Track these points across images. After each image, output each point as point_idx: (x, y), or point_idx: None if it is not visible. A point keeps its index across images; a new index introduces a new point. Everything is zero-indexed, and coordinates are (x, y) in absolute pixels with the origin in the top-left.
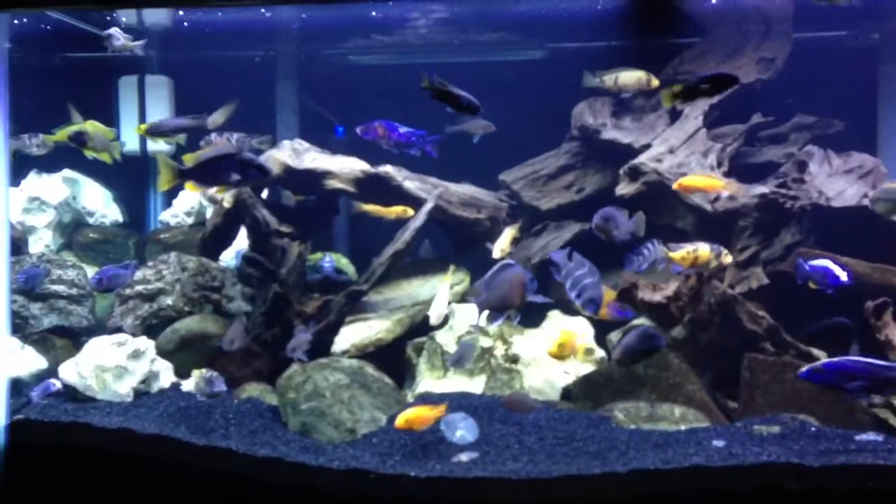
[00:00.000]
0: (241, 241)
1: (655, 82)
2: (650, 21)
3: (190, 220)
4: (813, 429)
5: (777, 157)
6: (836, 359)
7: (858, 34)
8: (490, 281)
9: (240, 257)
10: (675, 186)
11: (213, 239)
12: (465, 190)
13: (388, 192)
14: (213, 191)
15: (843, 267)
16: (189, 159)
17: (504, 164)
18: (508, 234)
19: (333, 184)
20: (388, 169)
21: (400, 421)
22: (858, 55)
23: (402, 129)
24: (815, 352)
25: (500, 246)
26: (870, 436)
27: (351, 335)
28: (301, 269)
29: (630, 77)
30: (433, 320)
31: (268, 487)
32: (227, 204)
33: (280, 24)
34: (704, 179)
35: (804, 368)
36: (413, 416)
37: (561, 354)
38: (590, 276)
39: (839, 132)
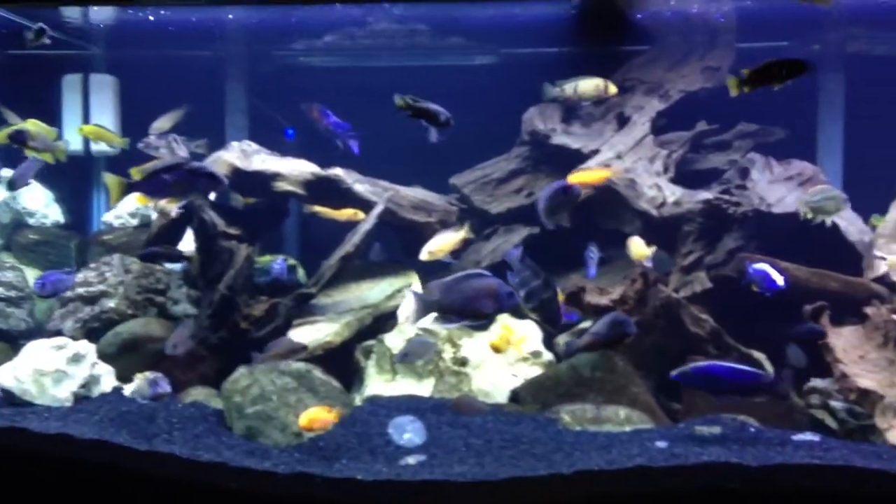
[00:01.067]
0: (188, 243)
1: (613, 89)
2: (600, 29)
3: (134, 222)
4: (752, 429)
5: (721, 164)
6: (703, 363)
7: (799, 45)
8: (453, 285)
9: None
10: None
11: (158, 241)
12: (416, 193)
13: (338, 194)
14: (163, 202)
15: (780, 272)
16: (136, 172)
17: (455, 167)
18: (447, 238)
19: (283, 186)
20: (338, 171)
21: (303, 420)
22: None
23: (333, 118)
24: (756, 354)
25: (430, 248)
26: (806, 436)
27: (299, 338)
28: (249, 271)
29: (588, 85)
30: (402, 320)
31: (211, 493)
32: (174, 214)
33: (229, 24)
34: (592, 172)
35: (675, 371)
36: (313, 415)
37: (502, 346)
38: (536, 279)
39: (780, 140)
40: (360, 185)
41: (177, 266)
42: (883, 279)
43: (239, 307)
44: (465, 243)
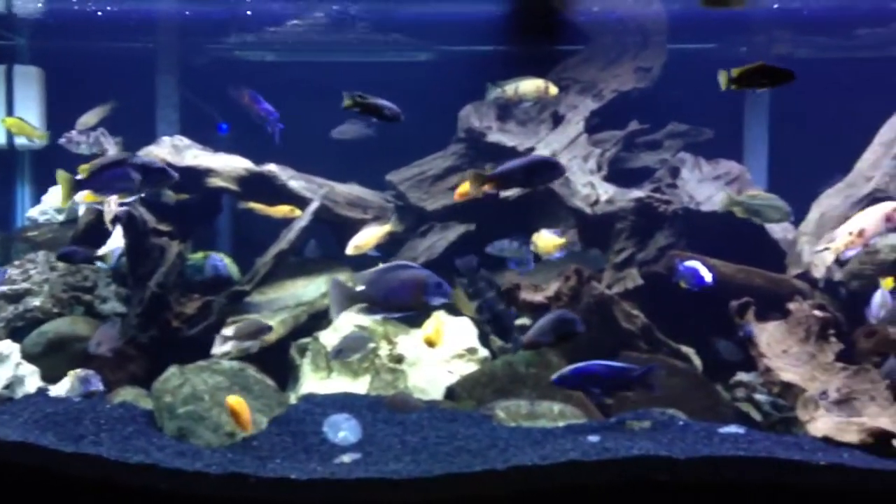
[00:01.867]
0: (117, 239)
1: (554, 90)
2: (535, 27)
3: (60, 218)
4: (681, 423)
5: (652, 163)
6: (580, 364)
7: (727, 47)
8: (378, 276)
9: (115, 256)
10: (455, 198)
11: (85, 237)
12: (352, 190)
13: (273, 191)
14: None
15: (709, 268)
16: (85, 169)
17: (391, 164)
18: (373, 232)
19: (216, 182)
20: (272, 168)
21: (231, 400)
22: (727, 67)
23: (264, 105)
24: (686, 349)
25: (356, 242)
26: (732, 428)
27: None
28: (180, 268)
29: (530, 86)
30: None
31: (141, 495)
32: (116, 212)
33: (161, 15)
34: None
35: (555, 375)
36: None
37: (436, 340)
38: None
39: (709, 140)
40: (295, 182)
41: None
42: (805, 275)
43: (170, 305)
44: (399, 239)
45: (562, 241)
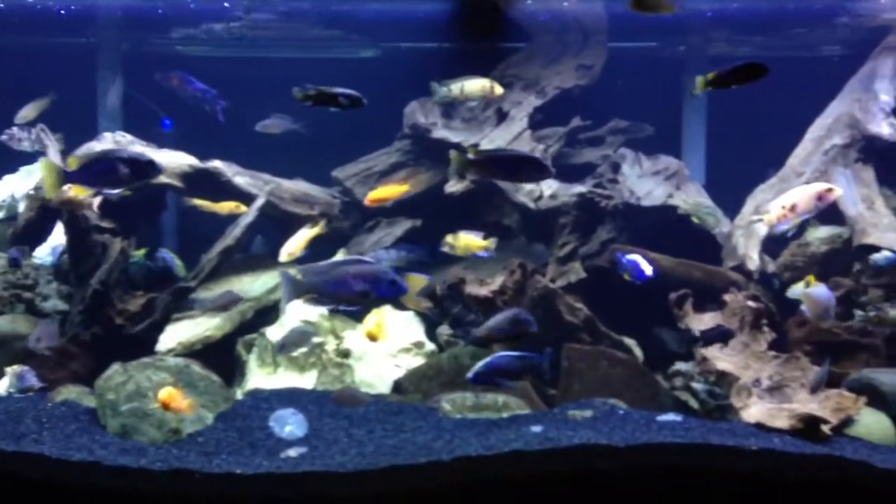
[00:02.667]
0: (58, 236)
1: (499, 90)
2: (479, 25)
3: (0, 214)
4: (621, 412)
5: (594, 159)
6: (488, 359)
7: (666, 46)
8: (328, 268)
9: (56, 254)
10: (366, 202)
11: (25, 234)
12: (298, 186)
13: (218, 187)
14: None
15: (650, 262)
16: (74, 162)
17: (338, 160)
18: (302, 235)
19: (159, 178)
20: (217, 164)
21: (162, 395)
22: (666, 65)
23: (197, 84)
24: (627, 340)
25: (289, 249)
26: (670, 416)
27: (178, 333)
28: (123, 266)
29: (475, 86)
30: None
31: (84, 493)
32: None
33: (101, 10)
34: (389, 189)
35: (470, 373)
36: (166, 396)
37: (377, 334)
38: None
39: (649, 136)
40: (241, 178)
41: (47, 260)
42: (740, 268)
43: (113, 302)
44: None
45: (484, 242)
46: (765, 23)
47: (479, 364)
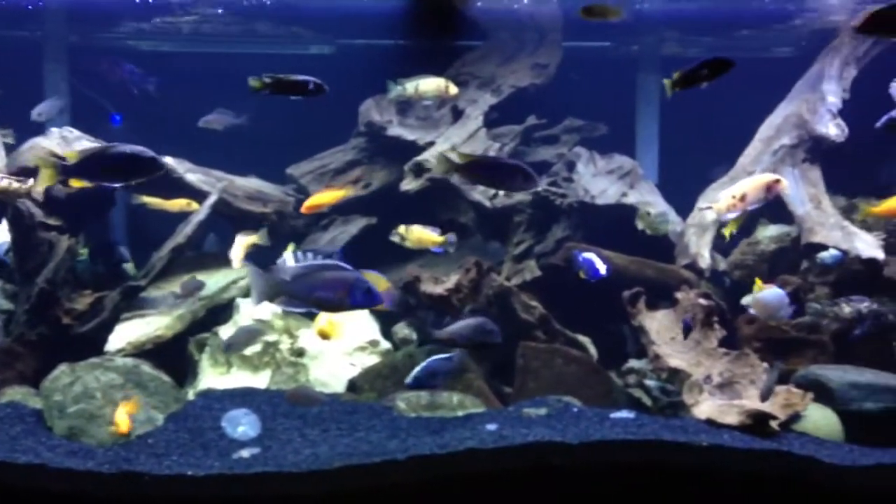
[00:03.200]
0: (3, 233)
1: (454, 90)
2: (436, 22)
3: None
4: (575, 409)
5: (550, 157)
6: (423, 364)
7: (620, 45)
8: (305, 271)
9: (1, 251)
10: (302, 210)
11: None
12: (251, 183)
13: (169, 184)
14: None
15: (604, 260)
16: (73, 155)
17: (292, 158)
18: (243, 242)
19: None
20: (168, 160)
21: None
22: (620, 65)
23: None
24: (582, 338)
25: (234, 258)
26: (623, 413)
27: (128, 333)
28: (70, 264)
29: (430, 85)
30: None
31: (30, 496)
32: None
33: (48, 3)
34: (325, 195)
35: (409, 378)
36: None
37: (330, 332)
38: None
39: (603, 135)
40: (192, 175)
41: None
42: (692, 266)
43: (60, 301)
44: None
45: (439, 238)
46: (716, 24)
47: (417, 370)
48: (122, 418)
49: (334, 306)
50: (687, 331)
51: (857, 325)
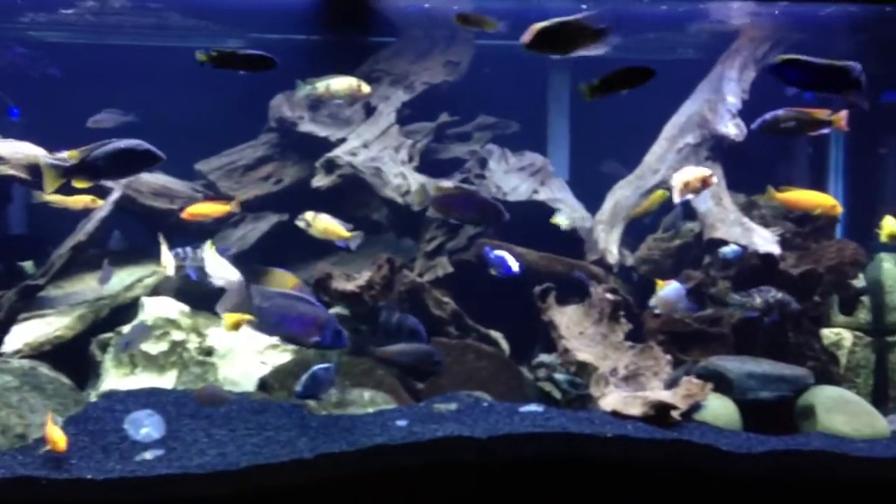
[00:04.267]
0: None
1: (366, 89)
2: (348, 18)
3: None
4: (485, 404)
5: (462, 154)
6: (309, 372)
7: None
8: (277, 297)
9: None
10: (184, 216)
11: None
12: (157, 179)
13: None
14: None
15: (516, 256)
16: (74, 155)
17: (201, 153)
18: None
19: (3, 170)
20: (67, 155)
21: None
22: (531, 63)
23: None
24: (494, 334)
25: (167, 267)
26: (532, 407)
27: (25, 334)
28: None
29: (342, 84)
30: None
31: None
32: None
33: None
34: (210, 206)
35: (298, 387)
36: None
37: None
38: None
39: (515, 132)
40: None
41: None
42: (601, 261)
43: None
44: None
45: (347, 233)
46: (623, 25)
47: (305, 377)
48: (59, 435)
49: (301, 342)
50: (579, 287)
51: (768, 315)
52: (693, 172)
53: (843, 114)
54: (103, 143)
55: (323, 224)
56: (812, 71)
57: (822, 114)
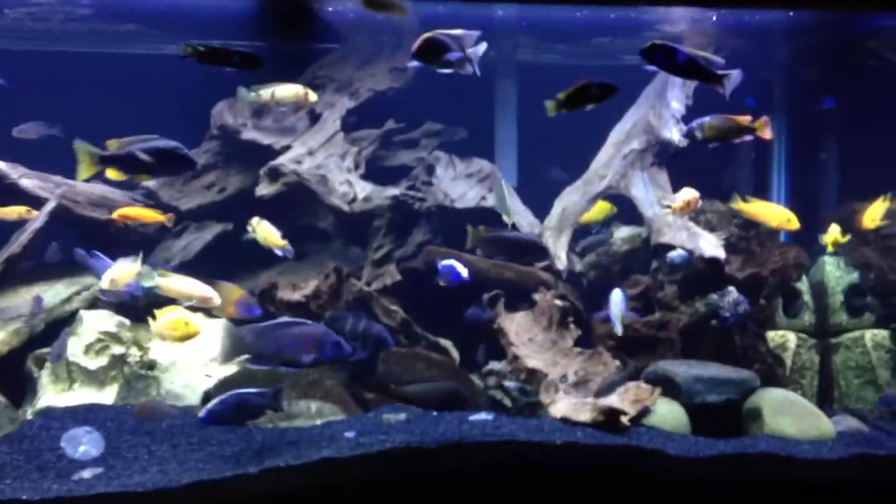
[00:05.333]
0: None
1: (313, 97)
2: (291, 24)
3: None
4: (435, 413)
5: (409, 161)
6: (223, 396)
7: None
8: (269, 330)
9: None
10: (114, 217)
11: None
12: (95, 189)
13: (2, 190)
14: None
15: (465, 264)
16: (114, 144)
17: None
18: (126, 269)
19: None
20: (0, 165)
21: None
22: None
23: None
24: (443, 342)
25: (112, 276)
26: (481, 415)
27: None
28: None
29: (287, 91)
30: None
31: None
32: None
33: None
34: (142, 211)
35: (202, 413)
36: None
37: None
38: None
39: (463, 139)
40: (28, 180)
41: None
42: (550, 268)
43: None
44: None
45: (280, 241)
46: (570, 32)
47: (215, 402)
48: None
49: (304, 363)
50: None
51: (730, 314)
52: (692, 193)
53: (765, 119)
54: (145, 138)
55: (263, 231)
56: (676, 59)
57: (744, 121)
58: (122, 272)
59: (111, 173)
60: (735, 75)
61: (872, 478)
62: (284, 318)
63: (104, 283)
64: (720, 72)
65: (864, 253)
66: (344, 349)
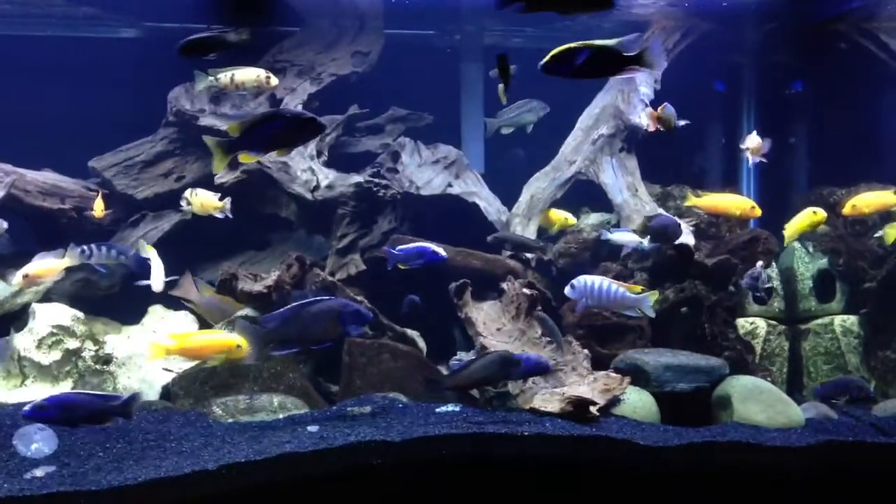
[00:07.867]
0: None
1: (274, 81)
2: (248, 6)
3: None
4: (401, 406)
5: (374, 148)
6: (57, 394)
7: (442, 34)
8: (290, 315)
9: None
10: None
11: None
12: (46, 178)
13: None
14: None
15: (431, 253)
16: (234, 128)
17: (94, 149)
18: (49, 264)
19: None
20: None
21: None
22: (444, 53)
23: None
24: (410, 332)
25: (27, 271)
26: (449, 407)
27: None
28: None
29: (248, 75)
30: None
31: None
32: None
33: None
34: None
35: (27, 408)
36: None
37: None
38: None
39: (428, 125)
40: None
41: None
42: (517, 256)
43: None
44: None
45: (219, 203)
46: (536, 14)
47: (43, 398)
48: None
49: (330, 338)
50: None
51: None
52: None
53: (649, 111)
54: (264, 112)
55: (200, 200)
56: (577, 60)
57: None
58: (42, 268)
59: (244, 158)
60: (655, 46)
61: (840, 465)
62: (302, 300)
63: (16, 279)
64: (636, 50)
65: (833, 238)
66: (365, 316)
